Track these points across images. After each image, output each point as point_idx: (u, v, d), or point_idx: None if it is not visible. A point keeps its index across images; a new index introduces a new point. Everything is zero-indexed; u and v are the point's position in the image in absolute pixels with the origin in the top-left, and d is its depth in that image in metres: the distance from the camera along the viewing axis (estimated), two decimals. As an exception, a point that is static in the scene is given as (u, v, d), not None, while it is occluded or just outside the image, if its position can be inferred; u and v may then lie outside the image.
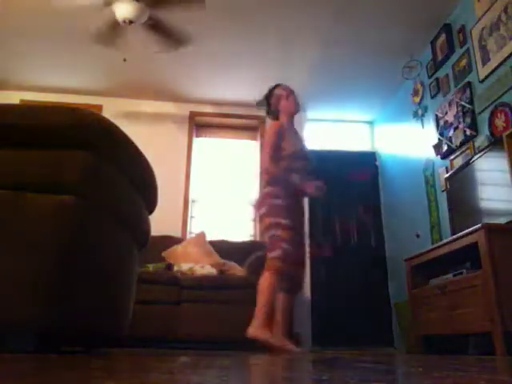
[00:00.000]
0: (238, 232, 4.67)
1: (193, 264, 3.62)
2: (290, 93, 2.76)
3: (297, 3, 3.56)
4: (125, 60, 3.90)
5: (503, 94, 2.98)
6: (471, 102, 3.33)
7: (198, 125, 5.14)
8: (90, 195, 1.40)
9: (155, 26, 3.48)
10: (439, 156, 3.78)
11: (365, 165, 5.21)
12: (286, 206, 2.53)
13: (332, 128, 5.36)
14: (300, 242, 2.62)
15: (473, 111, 3.31)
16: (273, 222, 2.50)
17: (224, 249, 3.95)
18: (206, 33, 3.87)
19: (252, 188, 4.82)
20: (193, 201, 4.87)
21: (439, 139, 3.78)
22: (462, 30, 3.50)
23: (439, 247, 2.88)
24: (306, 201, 2.79)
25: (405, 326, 3.75)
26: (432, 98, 3.97)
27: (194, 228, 4.76)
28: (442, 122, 3.76)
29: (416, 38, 3.96)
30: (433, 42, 3.90)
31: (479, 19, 3.26)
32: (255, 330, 2.36)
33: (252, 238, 4.68)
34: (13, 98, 4.73)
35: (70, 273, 1.30)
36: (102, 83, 4.75)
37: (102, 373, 0.74)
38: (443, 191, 3.64)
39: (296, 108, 2.75)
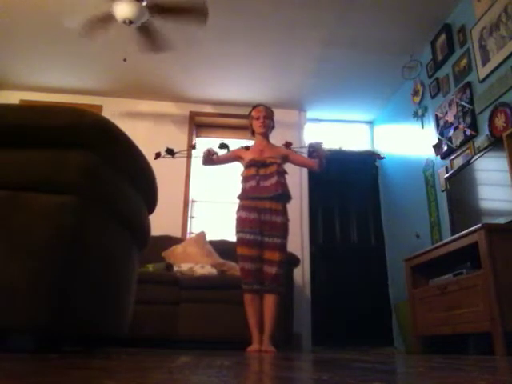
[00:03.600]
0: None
1: (193, 264, 3.62)
2: (258, 114, 3.08)
3: (297, 3, 3.56)
4: (125, 60, 3.90)
5: (503, 94, 2.98)
6: (471, 102, 3.33)
7: (198, 125, 5.14)
8: (90, 195, 1.40)
9: (143, 29, 3.47)
10: (439, 156, 3.78)
11: (365, 165, 5.21)
12: (238, 219, 2.86)
13: (332, 128, 5.37)
14: (258, 243, 2.79)
15: (473, 111, 3.31)
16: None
17: (224, 249, 3.94)
18: (205, 33, 3.87)
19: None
20: (193, 201, 4.87)
21: (439, 139, 3.78)
22: (462, 30, 3.50)
23: (439, 247, 2.88)
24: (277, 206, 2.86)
25: (405, 326, 3.75)
26: (432, 98, 3.97)
27: (194, 228, 4.76)
28: (442, 122, 3.76)
29: (416, 38, 3.96)
30: (433, 42, 3.90)
31: (479, 19, 3.26)
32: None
33: (252, 238, 4.67)
34: (13, 98, 4.74)
35: (70, 273, 1.30)
36: (102, 83, 4.75)
37: (102, 373, 0.74)
38: (443, 191, 3.64)
39: (259, 130, 3.06)
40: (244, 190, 2.90)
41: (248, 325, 2.76)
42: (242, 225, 2.83)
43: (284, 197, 2.88)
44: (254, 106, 3.15)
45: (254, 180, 2.86)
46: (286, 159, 3.01)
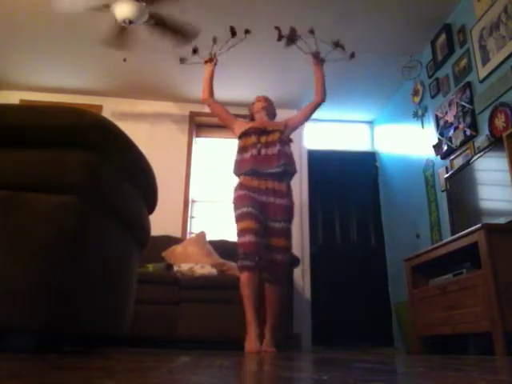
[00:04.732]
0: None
1: (193, 264, 3.62)
2: (258, 98, 3.12)
3: (297, 3, 3.56)
4: (125, 60, 3.91)
5: (503, 94, 2.98)
6: (471, 102, 3.33)
7: (198, 125, 5.14)
8: (90, 195, 1.40)
9: (160, 24, 3.50)
10: (439, 156, 3.78)
11: (365, 165, 5.21)
12: (237, 197, 2.65)
13: (332, 128, 5.37)
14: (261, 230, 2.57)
15: (473, 111, 3.31)
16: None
17: (224, 249, 3.95)
18: (205, 33, 3.86)
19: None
20: (193, 201, 4.87)
21: (439, 139, 3.78)
22: (462, 30, 3.50)
23: (439, 247, 2.88)
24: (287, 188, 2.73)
25: (405, 326, 3.75)
26: (432, 97, 3.97)
27: (194, 228, 4.76)
28: (442, 122, 3.76)
29: (416, 38, 3.96)
30: (433, 42, 3.90)
31: (479, 19, 3.26)
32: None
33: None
34: (13, 98, 4.74)
35: (71, 273, 1.30)
36: (102, 83, 4.75)
37: (102, 373, 0.74)
38: (443, 191, 3.64)
39: (256, 107, 3.04)
40: (242, 161, 2.70)
41: (244, 315, 2.42)
42: (241, 202, 2.59)
43: (288, 174, 2.71)
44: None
45: (255, 148, 2.67)
46: (290, 129, 2.89)
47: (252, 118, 3.06)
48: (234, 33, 3.08)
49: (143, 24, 3.42)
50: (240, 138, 2.83)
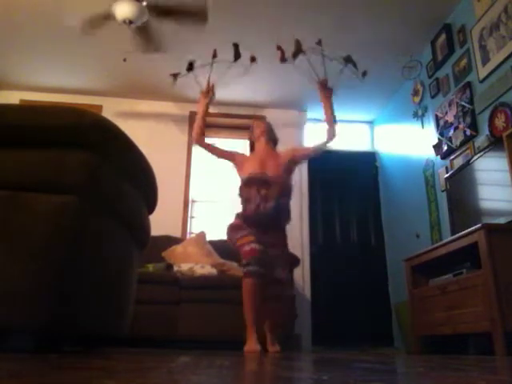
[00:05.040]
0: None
1: (193, 264, 3.62)
2: (258, 123, 2.96)
3: (296, 3, 3.55)
4: (125, 60, 3.90)
5: (503, 94, 2.98)
6: (471, 102, 3.33)
7: (198, 125, 5.13)
8: (90, 195, 1.40)
9: (143, 29, 3.47)
10: (439, 156, 3.78)
11: (365, 165, 5.21)
12: (234, 225, 2.67)
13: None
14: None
15: (473, 111, 3.31)
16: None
17: (224, 249, 3.94)
18: (205, 33, 3.87)
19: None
20: (193, 201, 4.87)
21: (439, 139, 3.78)
22: (462, 30, 3.50)
23: (439, 247, 2.88)
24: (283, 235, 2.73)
25: (405, 326, 3.75)
26: (432, 97, 3.97)
27: (194, 228, 4.76)
28: (442, 122, 3.76)
29: (416, 38, 3.96)
30: (433, 42, 3.90)
31: (479, 19, 3.26)
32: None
33: (252, 238, 4.68)
34: (13, 98, 4.74)
35: (70, 273, 1.30)
36: (102, 83, 4.75)
37: (102, 373, 0.74)
38: (443, 191, 3.64)
39: (256, 134, 2.85)
40: (246, 213, 2.63)
41: (245, 318, 2.44)
42: (238, 228, 2.60)
43: (283, 226, 2.69)
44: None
45: (255, 204, 2.58)
46: (293, 162, 2.76)
47: (252, 146, 2.93)
48: (237, 54, 2.86)
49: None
50: (244, 185, 2.69)
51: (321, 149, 2.79)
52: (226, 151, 2.88)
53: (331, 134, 2.72)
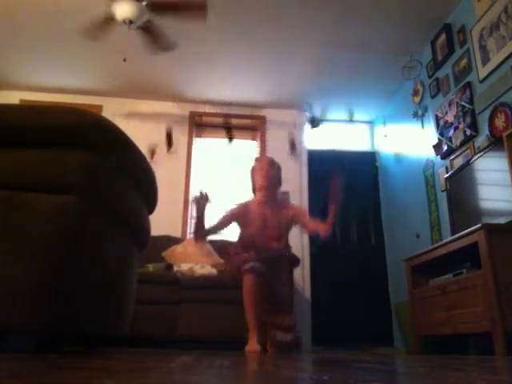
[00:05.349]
0: (238, 232, 4.66)
1: (193, 264, 3.62)
2: (261, 164, 2.74)
3: (297, 3, 3.55)
4: (125, 60, 3.90)
5: (503, 94, 2.98)
6: (471, 102, 3.33)
7: (198, 125, 5.13)
8: (90, 195, 1.40)
9: (146, 29, 3.48)
10: (439, 156, 3.78)
11: (365, 165, 5.21)
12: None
13: (332, 128, 5.36)
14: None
15: (473, 111, 3.31)
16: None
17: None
18: (205, 33, 3.87)
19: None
20: (193, 201, 4.87)
21: (439, 139, 3.78)
22: (462, 30, 3.50)
23: (439, 247, 2.88)
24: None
25: (405, 326, 3.75)
26: (432, 97, 3.97)
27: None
28: (442, 122, 3.76)
29: (416, 38, 3.96)
30: (433, 42, 3.90)
31: (479, 19, 3.26)
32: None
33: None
34: (13, 98, 4.74)
35: (70, 273, 1.30)
36: (102, 83, 4.75)
37: (102, 373, 0.74)
38: (443, 191, 3.64)
39: (257, 183, 2.70)
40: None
41: (246, 318, 2.45)
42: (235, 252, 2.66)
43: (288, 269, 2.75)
44: (257, 158, 2.88)
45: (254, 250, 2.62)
46: (292, 222, 2.78)
47: (254, 187, 2.85)
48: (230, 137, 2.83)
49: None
50: (245, 245, 2.70)
51: (313, 232, 2.73)
52: (228, 219, 2.78)
53: (326, 233, 2.59)
